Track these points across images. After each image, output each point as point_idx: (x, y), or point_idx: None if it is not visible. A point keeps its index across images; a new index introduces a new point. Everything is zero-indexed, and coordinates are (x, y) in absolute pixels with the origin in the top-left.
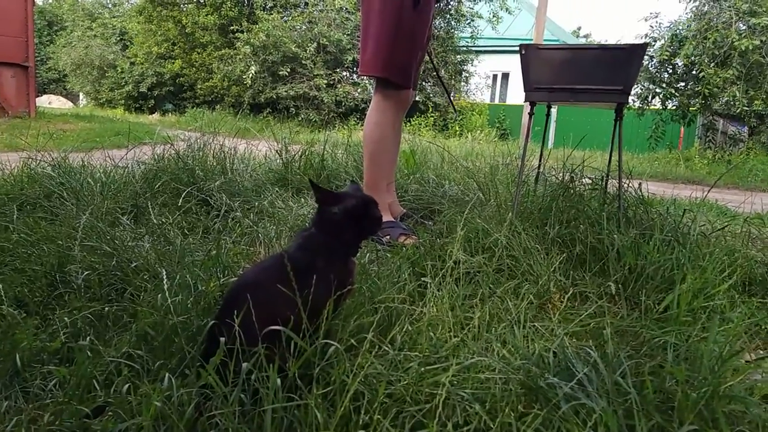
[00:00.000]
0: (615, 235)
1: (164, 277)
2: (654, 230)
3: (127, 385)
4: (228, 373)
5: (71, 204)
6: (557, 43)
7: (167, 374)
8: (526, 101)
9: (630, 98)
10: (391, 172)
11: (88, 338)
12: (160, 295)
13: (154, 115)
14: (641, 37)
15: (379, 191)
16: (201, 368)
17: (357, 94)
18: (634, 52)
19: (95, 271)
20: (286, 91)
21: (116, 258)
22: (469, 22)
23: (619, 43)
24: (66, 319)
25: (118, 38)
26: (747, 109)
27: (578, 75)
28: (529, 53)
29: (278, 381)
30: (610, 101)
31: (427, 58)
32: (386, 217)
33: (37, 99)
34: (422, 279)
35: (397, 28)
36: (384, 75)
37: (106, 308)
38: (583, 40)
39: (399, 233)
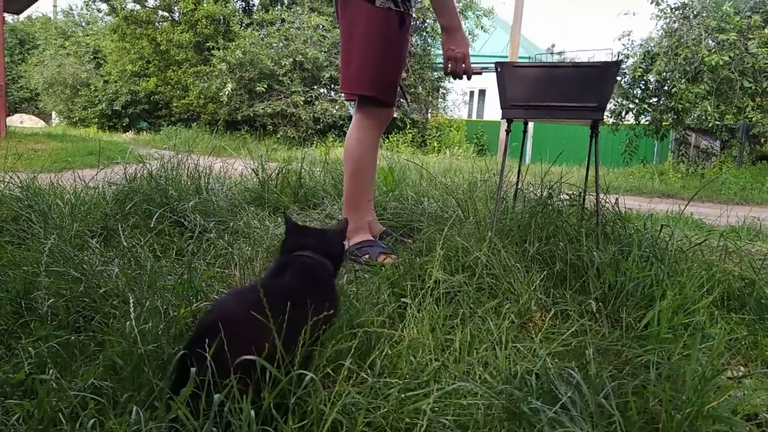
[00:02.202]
0: (594, 252)
1: (133, 303)
2: (632, 246)
3: (92, 420)
4: (199, 405)
5: (39, 227)
6: (532, 60)
7: (135, 407)
8: (502, 118)
9: (604, 114)
10: (370, 189)
11: (52, 370)
12: (128, 323)
13: (128, 133)
14: (614, 55)
15: (360, 209)
16: (171, 400)
17: (335, 111)
18: (608, 70)
19: (62, 298)
20: (263, 109)
21: (84, 283)
22: None
23: (590, 60)
24: (31, 349)
25: (92, 57)
26: (718, 123)
27: (554, 92)
28: (504, 71)
29: (252, 413)
30: (586, 118)
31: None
32: (365, 236)
33: (8, 118)
34: (402, 300)
35: (385, 48)
36: (372, 93)
37: (73, 337)
38: (557, 57)
39: (378, 252)
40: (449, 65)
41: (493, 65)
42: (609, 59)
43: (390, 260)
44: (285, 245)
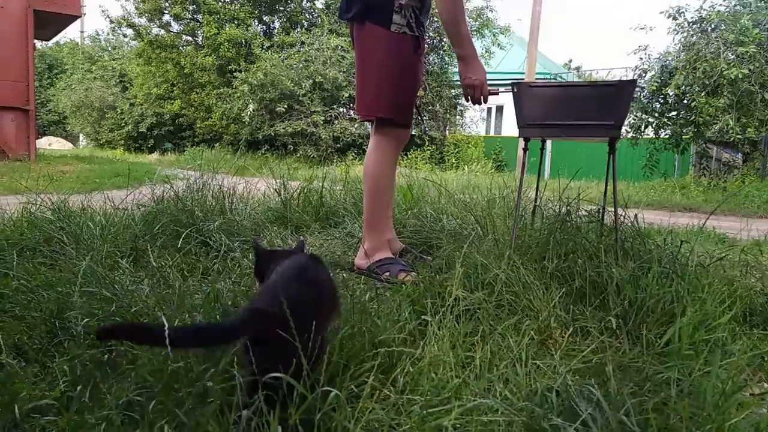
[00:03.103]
0: (613, 269)
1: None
2: (652, 262)
3: None
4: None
5: (71, 248)
6: (548, 76)
7: (165, 425)
8: (520, 137)
9: (623, 128)
10: (389, 208)
11: (87, 388)
12: None
13: (153, 154)
14: (631, 69)
15: (379, 227)
16: (200, 416)
17: (354, 130)
18: (624, 88)
19: (95, 317)
20: (283, 128)
21: (116, 303)
22: None
23: (608, 75)
24: (65, 367)
25: (118, 80)
26: (740, 136)
27: (570, 111)
28: (521, 91)
29: (279, 429)
30: (603, 136)
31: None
32: (385, 254)
33: (37, 141)
34: (423, 317)
35: (401, 71)
36: (389, 116)
37: (106, 356)
38: (574, 73)
39: (398, 270)
40: (469, 93)
41: (509, 84)
42: (626, 76)
43: (410, 278)
44: (257, 270)
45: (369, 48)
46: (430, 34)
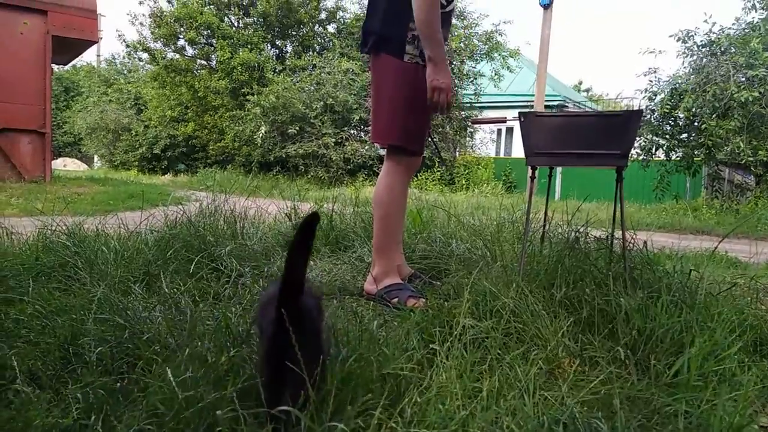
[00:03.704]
0: (621, 299)
1: (174, 349)
2: (661, 291)
3: None
4: None
5: (85, 273)
6: (558, 98)
7: None
8: (527, 165)
9: (634, 150)
10: (399, 234)
11: (100, 415)
12: (170, 370)
13: (166, 175)
14: (641, 92)
15: (388, 253)
16: None
17: (365, 152)
18: (630, 118)
19: (107, 344)
20: (295, 150)
21: (128, 329)
22: (472, 81)
23: (618, 98)
24: (78, 394)
25: (133, 103)
26: (752, 159)
27: (577, 140)
28: (527, 120)
29: None
30: (609, 165)
31: None
32: (394, 279)
33: (52, 162)
34: (431, 346)
35: (413, 100)
36: (401, 143)
37: (118, 384)
38: (584, 95)
39: (407, 296)
40: (434, 96)
41: (518, 107)
42: (636, 99)
43: (419, 304)
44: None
45: (383, 77)
46: None
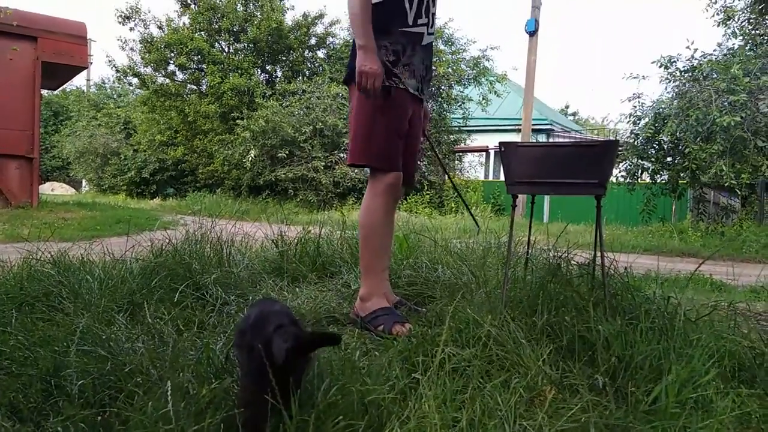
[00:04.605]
0: (600, 326)
1: (155, 381)
2: (640, 317)
3: None
4: None
5: (69, 303)
6: (546, 121)
7: None
8: (508, 193)
9: (620, 174)
10: (384, 255)
11: None
12: (150, 403)
13: (155, 199)
14: (626, 116)
15: (374, 274)
16: None
17: (354, 175)
18: (607, 148)
19: (90, 376)
20: (284, 173)
21: (111, 361)
22: (461, 105)
23: (605, 121)
24: (59, 428)
25: (122, 127)
26: (735, 182)
27: (556, 170)
28: (508, 150)
29: None
30: (588, 194)
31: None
32: (380, 303)
33: (40, 186)
34: (413, 375)
35: (373, 120)
36: (365, 162)
37: (99, 417)
38: (570, 119)
39: (393, 322)
40: (361, 79)
41: (505, 129)
42: (623, 122)
43: (404, 330)
44: None
45: (352, 104)
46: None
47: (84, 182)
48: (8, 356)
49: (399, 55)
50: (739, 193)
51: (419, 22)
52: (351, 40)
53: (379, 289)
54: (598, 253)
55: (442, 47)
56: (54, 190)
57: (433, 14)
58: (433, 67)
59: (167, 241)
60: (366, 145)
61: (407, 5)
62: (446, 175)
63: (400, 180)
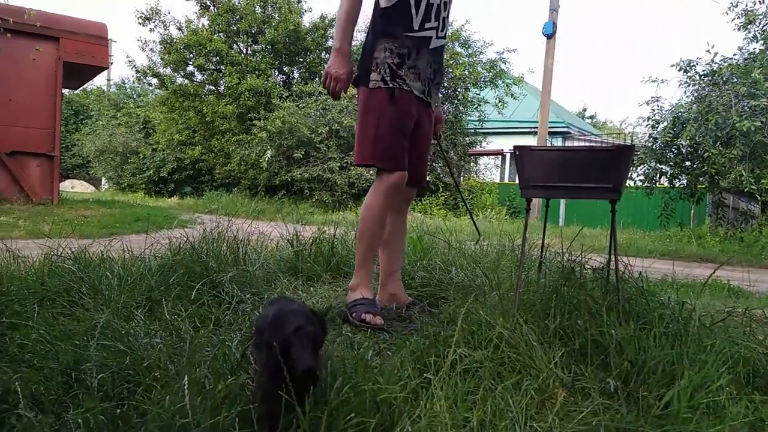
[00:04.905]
0: (613, 330)
1: (172, 376)
2: (654, 322)
3: None
4: None
5: (89, 299)
6: (563, 124)
7: None
8: (522, 197)
9: (638, 178)
10: (376, 252)
11: None
12: (168, 397)
13: (173, 198)
14: (644, 120)
15: (365, 267)
16: None
17: (369, 176)
18: (622, 153)
19: (109, 369)
20: (300, 174)
21: (129, 356)
22: (476, 107)
23: (624, 125)
24: (79, 420)
25: (142, 126)
26: (754, 187)
27: (571, 174)
28: (522, 154)
29: None
30: (602, 198)
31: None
32: (361, 294)
33: (60, 184)
34: (425, 375)
35: (377, 121)
36: (370, 162)
37: (118, 409)
38: (588, 122)
39: (364, 311)
40: (325, 80)
41: (521, 133)
42: (642, 125)
43: (375, 321)
44: None
45: (359, 106)
46: (444, 84)
47: (103, 180)
48: (30, 349)
49: (404, 58)
50: (759, 198)
51: (426, 26)
52: (364, 42)
53: (365, 281)
54: (613, 258)
55: (458, 49)
56: (74, 187)
57: (444, 18)
58: (449, 69)
59: (185, 239)
60: (371, 145)
61: (413, 11)
62: (453, 180)
63: (404, 179)
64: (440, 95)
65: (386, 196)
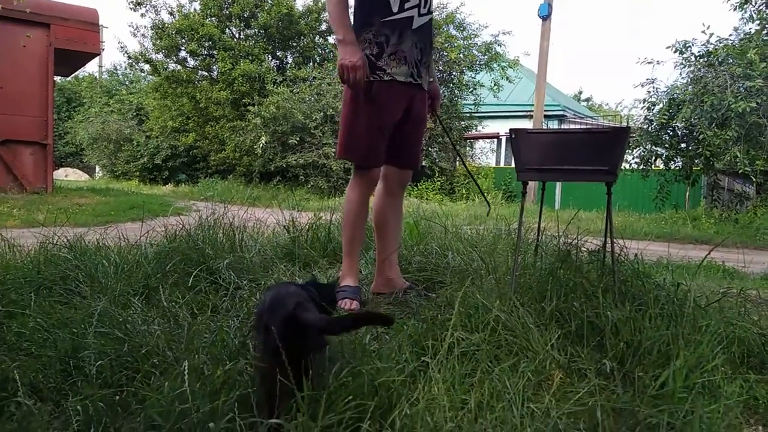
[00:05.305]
0: (609, 312)
1: (171, 362)
2: (649, 303)
3: None
4: None
5: (86, 287)
6: (558, 107)
7: None
8: (518, 180)
9: (633, 160)
10: (360, 241)
11: (99, 427)
12: (167, 383)
13: (168, 185)
14: (640, 102)
15: (350, 257)
16: None
17: None
18: (618, 135)
19: (107, 357)
20: (295, 160)
21: (127, 343)
22: (472, 91)
23: (619, 107)
24: (78, 407)
25: (135, 113)
26: (749, 169)
27: (566, 156)
28: (518, 137)
29: None
30: (598, 180)
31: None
32: (344, 282)
33: (54, 172)
34: (423, 359)
35: (354, 116)
36: (346, 157)
37: (117, 396)
38: (584, 104)
39: (343, 297)
40: (343, 73)
41: (518, 116)
42: (637, 108)
43: (351, 306)
44: None
45: (343, 97)
46: (440, 67)
47: (97, 168)
48: (28, 338)
49: (383, 47)
50: (754, 179)
51: (406, 6)
52: None
53: (350, 270)
54: (609, 240)
55: (453, 32)
56: (68, 176)
57: None
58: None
59: (181, 226)
60: (347, 140)
61: None
62: (458, 157)
63: (378, 174)
64: (436, 70)
65: (361, 188)
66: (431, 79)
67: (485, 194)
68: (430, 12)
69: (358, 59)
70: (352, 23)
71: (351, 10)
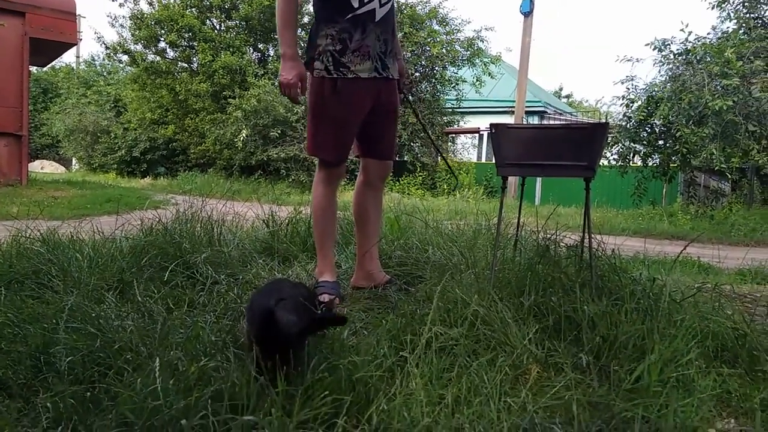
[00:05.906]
0: (586, 306)
1: (144, 359)
2: (626, 298)
3: None
4: None
5: (59, 281)
6: (539, 103)
7: None
8: (498, 175)
9: (612, 157)
10: (332, 236)
11: (69, 425)
12: (139, 380)
13: (146, 179)
14: (619, 99)
15: (324, 253)
16: None
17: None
18: (597, 131)
19: (79, 352)
20: (276, 154)
21: (100, 338)
22: (454, 86)
23: (599, 104)
24: (48, 403)
25: (113, 105)
26: (725, 166)
27: (546, 152)
28: (499, 132)
29: None
30: (577, 176)
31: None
32: (323, 277)
33: (29, 164)
34: (401, 353)
35: (320, 112)
36: (312, 154)
37: (88, 393)
38: (564, 101)
39: (321, 292)
40: (282, 90)
41: (500, 112)
42: (616, 104)
43: (327, 300)
44: None
45: (308, 91)
46: (422, 62)
47: (74, 160)
48: None
49: (346, 43)
50: (730, 176)
51: (366, 0)
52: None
53: (326, 267)
54: (587, 235)
55: (436, 27)
56: (43, 168)
57: None
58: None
59: (157, 220)
60: (313, 138)
61: None
62: (433, 145)
63: (342, 171)
64: (403, 51)
65: (326, 184)
66: (399, 57)
67: (464, 193)
68: (389, 2)
69: (293, 77)
70: (316, 16)
71: (310, 6)
